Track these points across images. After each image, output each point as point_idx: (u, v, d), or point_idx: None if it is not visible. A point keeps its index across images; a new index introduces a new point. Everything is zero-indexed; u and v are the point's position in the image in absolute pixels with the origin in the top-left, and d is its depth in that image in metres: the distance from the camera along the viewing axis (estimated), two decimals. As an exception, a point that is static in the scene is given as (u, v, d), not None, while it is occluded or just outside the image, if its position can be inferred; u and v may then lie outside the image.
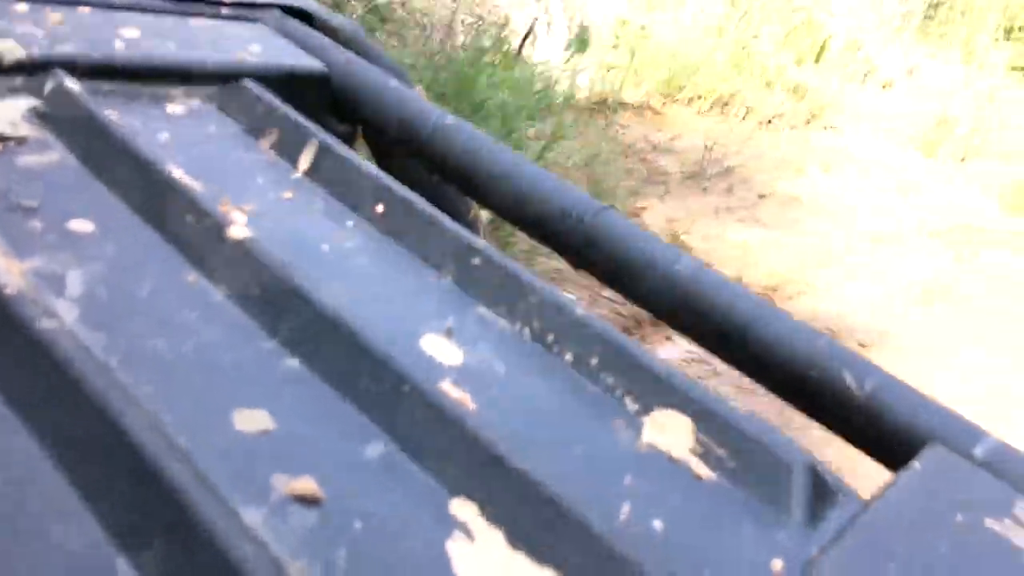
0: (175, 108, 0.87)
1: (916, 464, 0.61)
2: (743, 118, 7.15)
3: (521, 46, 6.31)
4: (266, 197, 0.79)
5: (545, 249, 0.88)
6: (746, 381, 0.76)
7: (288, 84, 0.94)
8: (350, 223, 0.79)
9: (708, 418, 0.64)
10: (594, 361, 0.68)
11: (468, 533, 0.53)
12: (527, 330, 0.71)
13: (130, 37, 0.90)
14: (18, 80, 0.78)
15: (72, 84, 0.78)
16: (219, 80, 0.91)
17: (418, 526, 0.52)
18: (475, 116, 4.67)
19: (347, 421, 0.58)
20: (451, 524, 0.53)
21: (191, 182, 0.72)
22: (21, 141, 0.73)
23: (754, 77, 7.47)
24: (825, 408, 0.71)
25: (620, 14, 6.99)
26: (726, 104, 7.23)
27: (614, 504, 0.57)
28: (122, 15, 0.94)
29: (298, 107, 0.89)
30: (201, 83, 0.90)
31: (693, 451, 0.63)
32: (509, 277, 0.73)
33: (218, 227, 0.68)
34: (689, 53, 7.15)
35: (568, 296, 0.73)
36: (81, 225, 0.67)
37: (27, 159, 0.71)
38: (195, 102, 0.89)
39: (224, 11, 1.04)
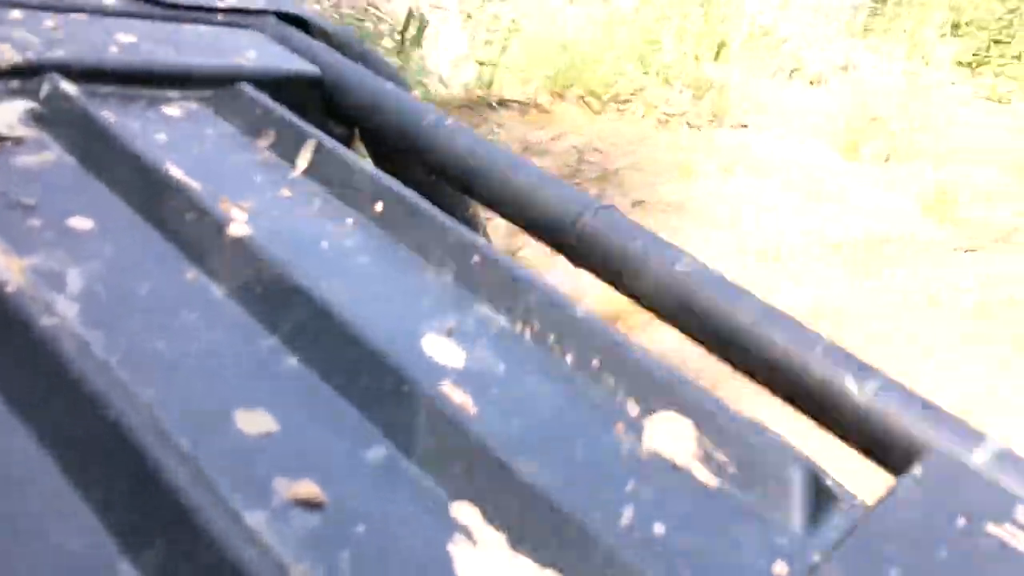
0: (172, 111, 0.87)
1: (917, 469, 0.60)
2: (642, 116, 6.44)
3: (402, 40, 5.66)
4: (265, 196, 0.79)
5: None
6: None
7: (284, 88, 0.94)
8: (349, 221, 0.79)
9: (710, 422, 0.63)
10: (596, 362, 0.67)
11: (469, 536, 0.52)
12: (528, 330, 0.70)
13: (125, 42, 0.90)
14: (13, 83, 0.79)
15: (68, 87, 0.78)
16: (215, 84, 0.91)
17: (419, 529, 0.52)
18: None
19: (348, 422, 0.58)
20: (452, 527, 0.52)
21: (190, 181, 0.72)
22: (18, 141, 0.73)
23: (657, 72, 6.77)
24: (825, 412, 0.69)
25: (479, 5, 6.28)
26: (626, 101, 6.53)
27: (616, 508, 0.56)
28: (117, 21, 0.94)
29: (294, 111, 0.89)
30: (197, 87, 0.90)
31: (695, 455, 0.62)
32: (509, 276, 0.72)
33: (217, 225, 0.68)
34: (583, 46, 6.44)
35: (569, 296, 0.72)
36: (80, 223, 0.67)
37: (25, 159, 0.72)
38: (192, 105, 0.89)
39: (219, 17, 1.03)
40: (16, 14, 0.87)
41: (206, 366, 0.58)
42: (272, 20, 1.06)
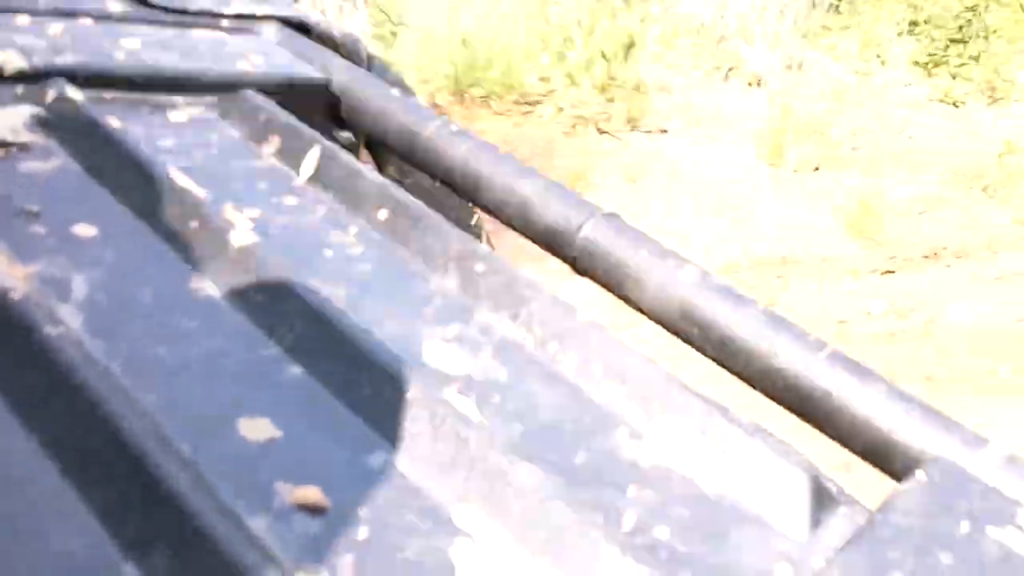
0: (177, 117, 0.87)
1: (920, 475, 0.60)
2: (551, 119, 5.98)
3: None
4: (269, 203, 0.79)
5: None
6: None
7: (289, 94, 0.94)
8: (353, 229, 0.79)
9: (712, 427, 0.63)
10: (597, 369, 0.68)
11: (472, 541, 0.52)
12: (531, 336, 0.71)
13: (131, 48, 0.90)
14: (20, 89, 0.79)
15: (74, 93, 0.79)
16: (220, 90, 0.91)
17: (422, 534, 0.52)
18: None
19: (350, 429, 0.58)
20: (454, 532, 0.53)
21: (194, 188, 0.72)
22: (23, 147, 0.73)
23: (568, 72, 6.30)
24: (828, 418, 0.69)
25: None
26: (534, 103, 6.07)
27: (618, 513, 0.56)
28: (122, 27, 0.95)
29: (299, 116, 0.89)
30: (202, 92, 0.91)
31: (696, 460, 0.63)
32: (512, 283, 0.73)
33: (221, 232, 0.68)
34: (485, 41, 5.98)
35: (572, 302, 0.72)
36: (84, 230, 0.67)
37: (30, 165, 0.72)
38: (197, 111, 0.89)
39: (224, 23, 1.03)
40: (22, 20, 0.88)
41: (209, 373, 0.58)
42: (277, 26, 1.05)
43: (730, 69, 7.39)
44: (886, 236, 5.49)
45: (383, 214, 0.80)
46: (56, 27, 0.88)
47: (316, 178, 0.84)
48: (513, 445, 0.58)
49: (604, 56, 6.26)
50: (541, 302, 0.71)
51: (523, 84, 6.01)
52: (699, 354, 0.76)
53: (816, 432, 0.70)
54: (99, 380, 0.52)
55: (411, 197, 0.81)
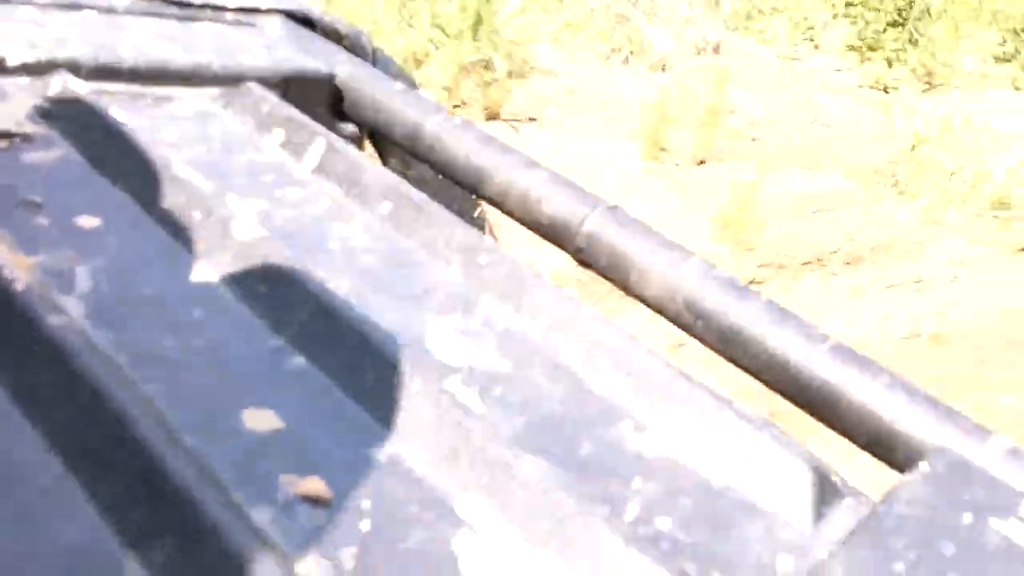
0: (180, 109, 0.87)
1: (923, 466, 0.60)
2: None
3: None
4: (273, 195, 0.79)
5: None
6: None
7: (292, 87, 0.94)
8: (357, 221, 0.79)
9: (716, 419, 0.63)
10: (602, 360, 0.68)
11: (475, 532, 0.53)
12: (534, 328, 0.71)
13: (135, 41, 0.90)
14: (23, 80, 0.79)
15: (77, 84, 0.79)
16: (224, 83, 0.91)
17: (425, 525, 0.52)
18: None
19: (355, 420, 0.58)
20: (458, 523, 0.53)
21: (198, 179, 0.72)
22: (27, 138, 0.73)
23: (414, 52, 5.62)
24: (831, 410, 0.69)
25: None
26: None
27: (622, 503, 0.56)
28: (126, 19, 0.95)
29: (303, 109, 0.89)
30: (206, 85, 0.90)
31: (700, 452, 0.63)
32: (515, 274, 0.73)
33: (225, 224, 0.68)
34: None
35: (575, 294, 0.72)
36: (88, 221, 0.67)
37: (33, 156, 0.72)
38: (200, 103, 0.89)
39: (228, 16, 1.04)
40: (26, 12, 0.88)
41: (213, 364, 0.58)
42: (281, 19, 1.05)
43: (631, 52, 6.72)
44: (766, 239, 4.82)
45: (386, 206, 0.80)
46: (60, 19, 0.89)
47: (320, 170, 0.83)
48: (516, 436, 0.59)
49: (445, 32, 5.54)
50: (544, 293, 0.71)
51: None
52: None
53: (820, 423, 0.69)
54: (102, 371, 0.52)
55: (414, 189, 0.81)
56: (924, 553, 0.53)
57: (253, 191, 0.78)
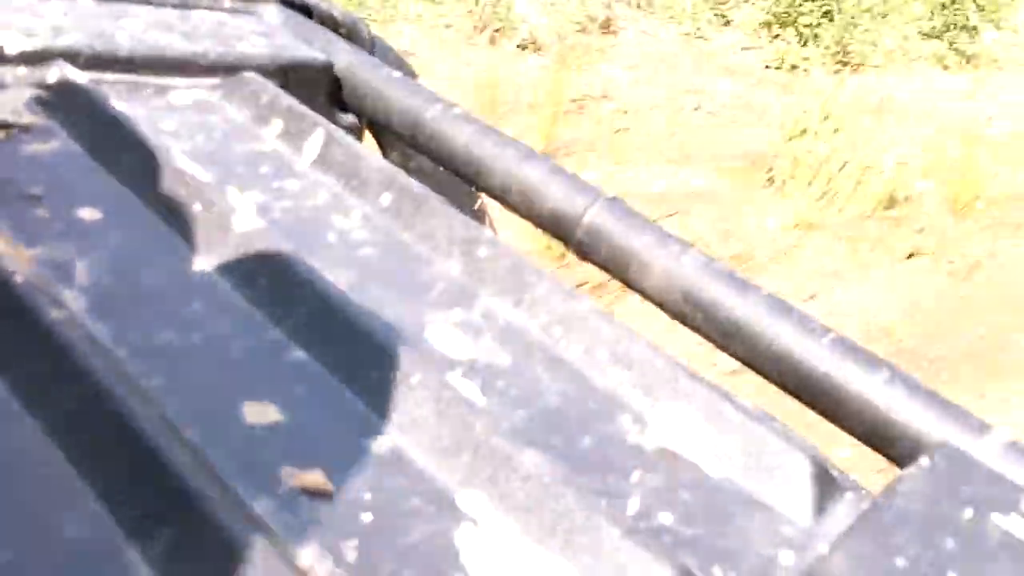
0: (179, 99, 0.87)
1: (924, 460, 0.60)
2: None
3: None
4: (272, 186, 0.79)
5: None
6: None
7: (291, 76, 0.93)
8: (356, 213, 0.79)
9: (716, 413, 0.63)
10: (602, 354, 0.68)
11: (476, 525, 0.53)
12: (534, 322, 0.71)
13: (133, 29, 0.89)
14: (21, 70, 0.78)
15: (75, 74, 0.78)
16: (222, 72, 0.90)
17: (426, 518, 0.52)
18: None
19: (355, 413, 0.58)
20: (459, 517, 0.53)
21: (197, 171, 0.71)
22: (25, 129, 0.73)
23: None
24: (832, 404, 0.69)
25: None
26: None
27: (622, 498, 0.57)
28: (124, 7, 0.94)
29: (301, 99, 0.89)
30: (204, 75, 0.90)
31: (701, 446, 0.63)
32: (516, 268, 0.73)
33: (224, 216, 0.68)
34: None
35: (576, 288, 0.72)
36: (88, 213, 0.66)
37: (32, 147, 0.71)
38: (199, 93, 0.88)
39: (226, 4, 1.02)
40: (24, 0, 0.87)
41: (213, 357, 0.58)
42: (278, 7, 1.04)
43: (495, 31, 6.06)
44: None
45: (386, 198, 0.80)
46: (58, 8, 0.88)
47: (319, 162, 0.83)
48: (517, 430, 0.59)
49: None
50: (545, 287, 0.71)
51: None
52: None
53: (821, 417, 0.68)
54: (103, 364, 0.52)
55: (414, 181, 0.81)
56: (925, 547, 0.53)
57: (252, 182, 0.78)
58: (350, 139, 0.84)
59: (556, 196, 0.83)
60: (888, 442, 0.66)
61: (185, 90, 0.87)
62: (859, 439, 0.68)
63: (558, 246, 0.77)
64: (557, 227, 0.83)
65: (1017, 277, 4.63)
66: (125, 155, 0.72)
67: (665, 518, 0.56)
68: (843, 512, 0.60)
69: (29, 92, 0.76)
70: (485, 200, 1.08)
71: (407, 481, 0.54)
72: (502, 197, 0.87)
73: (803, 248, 4.53)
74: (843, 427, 0.69)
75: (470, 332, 0.68)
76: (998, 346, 4.00)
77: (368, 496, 0.52)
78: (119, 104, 0.76)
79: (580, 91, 5.47)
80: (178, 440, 0.49)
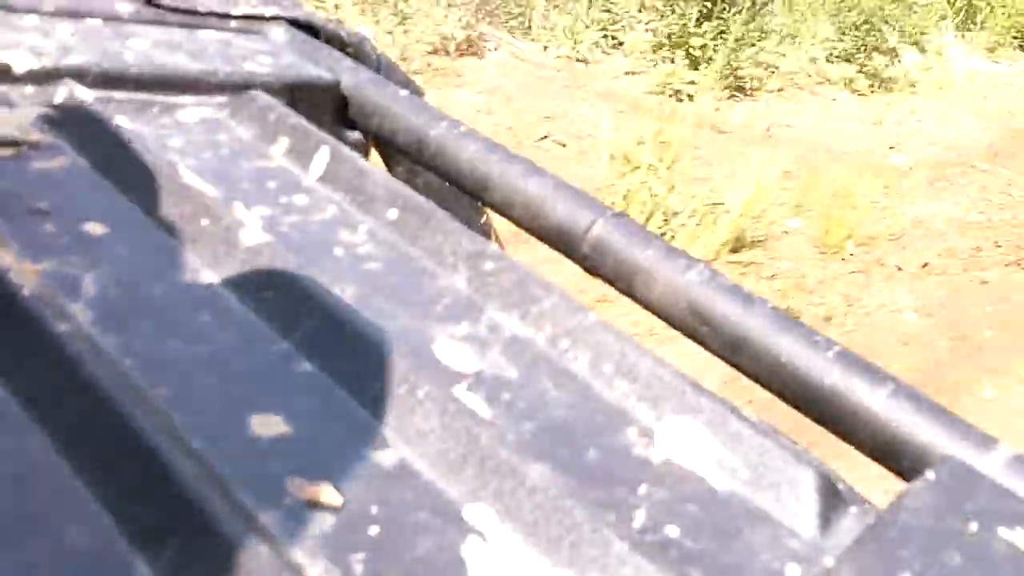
0: (186, 117, 0.87)
1: (929, 474, 0.60)
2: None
3: None
4: (279, 202, 0.79)
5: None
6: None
7: (297, 94, 0.94)
8: (363, 228, 0.79)
9: (722, 426, 0.63)
10: (608, 367, 0.68)
11: (483, 539, 0.52)
12: (541, 335, 0.71)
13: (140, 48, 0.90)
14: (29, 89, 0.79)
15: (83, 92, 0.79)
16: (229, 90, 0.91)
17: (433, 532, 0.52)
18: None
19: (362, 426, 0.58)
20: (466, 530, 0.53)
21: (204, 187, 0.72)
22: (33, 146, 0.73)
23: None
24: (837, 418, 0.69)
25: None
26: None
27: (629, 511, 0.56)
28: (131, 27, 0.94)
29: (308, 117, 0.89)
30: (211, 93, 0.90)
31: (707, 459, 0.62)
32: (522, 282, 0.73)
33: (231, 232, 0.68)
34: None
35: (581, 302, 0.72)
36: (95, 228, 0.67)
37: (39, 164, 0.71)
38: (206, 111, 0.89)
39: (233, 23, 1.03)
40: (32, 20, 0.87)
41: (220, 371, 0.58)
42: (285, 27, 1.05)
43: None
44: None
45: (393, 214, 0.80)
46: (65, 28, 0.88)
47: (325, 178, 0.83)
48: (524, 443, 0.59)
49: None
50: (551, 300, 0.71)
51: None
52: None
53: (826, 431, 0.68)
54: (110, 377, 0.52)
55: (420, 196, 0.81)
56: (930, 562, 0.52)
57: (259, 198, 0.78)
58: (356, 155, 0.84)
59: (562, 211, 0.83)
60: (893, 456, 0.65)
61: (192, 108, 0.88)
62: (865, 453, 0.68)
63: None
64: (562, 241, 0.83)
65: (877, 332, 4.05)
66: (132, 172, 0.72)
67: (672, 531, 0.55)
68: (849, 526, 0.59)
69: (37, 111, 0.76)
70: (491, 215, 1.08)
71: (414, 494, 0.54)
72: (507, 212, 0.87)
73: (620, 302, 3.96)
74: (849, 441, 0.68)
75: (476, 345, 0.68)
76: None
77: (375, 509, 0.52)
78: (127, 122, 0.78)
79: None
80: (185, 452, 0.49)
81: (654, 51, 6.56)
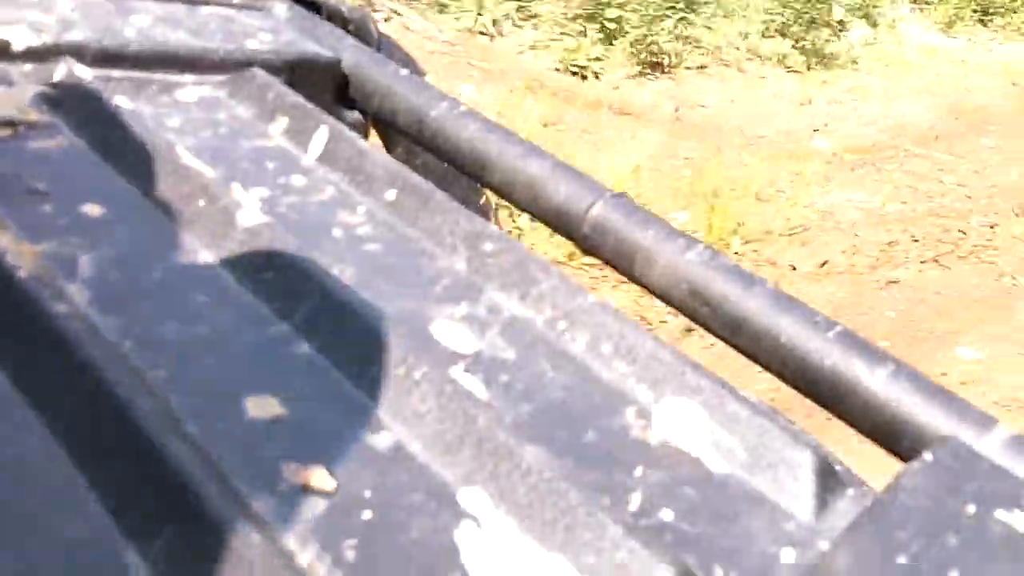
0: (185, 95, 0.87)
1: (927, 455, 0.59)
2: None
3: None
4: (277, 182, 0.79)
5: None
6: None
7: (298, 73, 0.93)
8: (362, 209, 0.79)
9: (720, 408, 0.63)
10: (607, 348, 0.68)
11: (478, 522, 0.52)
12: (539, 316, 0.70)
13: (140, 25, 0.89)
14: (27, 66, 0.78)
15: (82, 71, 0.78)
16: (229, 68, 0.90)
17: (428, 515, 0.52)
18: None
19: (358, 408, 0.58)
20: (461, 513, 0.52)
21: (202, 167, 0.72)
22: (31, 126, 0.72)
23: None
24: (836, 398, 0.69)
25: None
26: None
27: (624, 494, 0.56)
28: (132, 3, 0.93)
29: (308, 96, 0.89)
30: (211, 71, 0.90)
31: (704, 441, 0.62)
32: (521, 263, 0.73)
33: (229, 211, 0.68)
34: None
35: (581, 283, 0.71)
36: (92, 209, 0.66)
37: (37, 144, 0.71)
38: (205, 90, 0.88)
39: (234, 0, 1.02)
40: None
41: (217, 352, 0.58)
42: (287, 3, 1.04)
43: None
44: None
45: (391, 194, 0.80)
46: (65, 4, 0.87)
47: (324, 158, 0.83)
48: (521, 424, 0.59)
49: None
50: (550, 282, 0.71)
51: None
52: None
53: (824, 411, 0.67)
54: (106, 358, 0.52)
55: (419, 177, 0.81)
56: (928, 543, 0.52)
57: (258, 178, 0.77)
58: (355, 136, 0.84)
59: (561, 192, 0.82)
60: (892, 437, 0.65)
61: (191, 87, 0.87)
62: (863, 434, 0.67)
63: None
64: (562, 222, 0.82)
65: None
66: (130, 151, 0.72)
67: (666, 515, 0.55)
68: (846, 508, 0.59)
69: (35, 89, 0.75)
70: (490, 196, 1.06)
71: (408, 477, 0.53)
72: (507, 193, 0.86)
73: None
74: (847, 421, 0.67)
75: (475, 327, 0.67)
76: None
77: (369, 493, 0.51)
78: (125, 101, 0.78)
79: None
80: (180, 435, 0.49)
81: (567, 23, 6.01)
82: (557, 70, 5.65)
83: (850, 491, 0.60)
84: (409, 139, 0.94)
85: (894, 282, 4.19)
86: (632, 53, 5.78)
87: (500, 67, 5.52)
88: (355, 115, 0.97)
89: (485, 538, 0.51)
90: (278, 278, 0.63)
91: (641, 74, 5.76)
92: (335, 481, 0.51)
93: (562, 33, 5.92)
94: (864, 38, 6.86)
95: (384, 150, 1.02)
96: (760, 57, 6.31)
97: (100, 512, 0.45)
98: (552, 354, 0.66)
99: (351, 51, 0.97)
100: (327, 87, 0.95)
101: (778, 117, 5.58)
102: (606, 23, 5.92)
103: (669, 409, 0.63)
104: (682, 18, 5.94)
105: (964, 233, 4.51)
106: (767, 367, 0.71)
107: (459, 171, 0.90)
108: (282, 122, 0.85)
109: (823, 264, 4.12)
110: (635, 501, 0.55)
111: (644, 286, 0.78)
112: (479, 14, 5.89)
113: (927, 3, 7.40)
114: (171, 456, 0.47)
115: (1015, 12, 7.39)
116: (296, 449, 0.52)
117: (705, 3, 6.47)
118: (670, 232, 0.77)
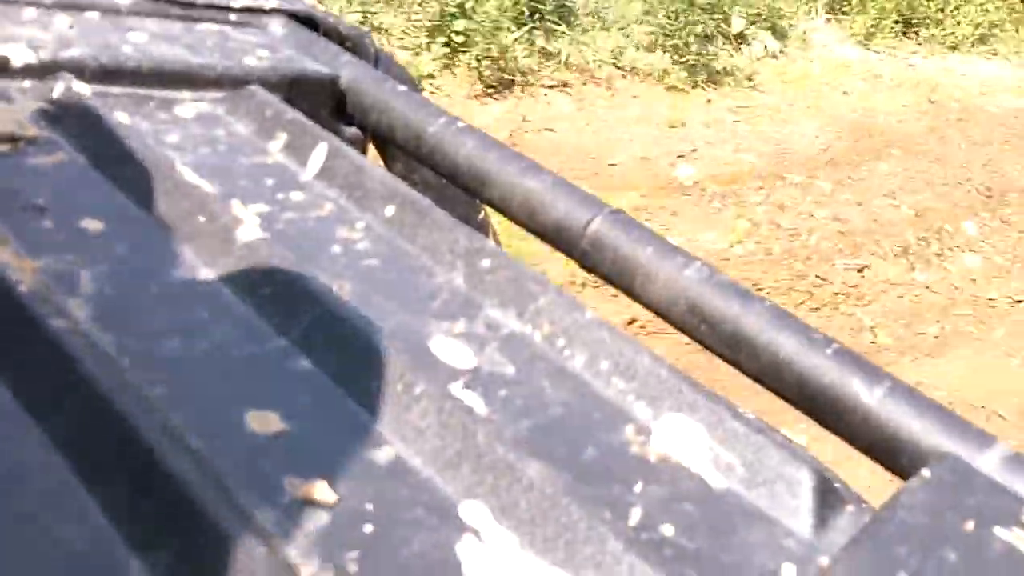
0: (183, 112, 0.87)
1: (926, 473, 0.60)
2: None
3: None
4: (276, 198, 0.79)
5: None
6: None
7: (296, 89, 0.94)
8: (360, 224, 0.79)
9: (719, 424, 0.63)
10: (605, 365, 0.68)
11: (478, 537, 0.52)
12: (537, 333, 0.70)
13: (138, 42, 0.90)
14: (26, 83, 0.78)
15: (80, 87, 0.79)
16: (227, 85, 0.91)
17: (428, 529, 0.52)
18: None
19: (358, 423, 0.58)
20: (461, 528, 0.53)
21: (201, 183, 0.72)
22: (30, 141, 0.72)
23: None
24: (834, 416, 0.69)
25: None
26: None
27: (624, 510, 0.56)
28: (130, 20, 0.94)
29: (306, 112, 0.89)
30: (209, 88, 0.90)
31: (703, 457, 0.62)
32: (519, 279, 0.73)
33: (228, 227, 0.68)
34: None
35: (579, 299, 0.71)
36: (92, 224, 0.66)
37: (37, 159, 0.71)
38: (203, 106, 0.89)
39: (232, 17, 1.03)
40: (30, 13, 0.87)
41: (217, 367, 0.58)
42: (284, 20, 1.04)
43: None
44: None
45: (390, 210, 0.79)
46: (63, 21, 0.88)
47: (323, 174, 0.83)
48: (520, 440, 0.59)
49: None
50: (548, 298, 0.71)
51: None
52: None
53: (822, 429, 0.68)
54: (106, 373, 0.52)
55: (417, 193, 0.81)
56: (926, 560, 0.52)
57: (256, 194, 0.77)
58: (353, 152, 0.84)
59: (560, 208, 0.82)
60: (891, 454, 0.65)
61: (190, 103, 0.87)
62: (862, 451, 0.67)
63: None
64: (561, 238, 0.82)
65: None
66: (129, 167, 0.72)
67: (667, 530, 0.55)
68: (845, 524, 0.59)
69: (34, 105, 0.76)
70: (488, 212, 1.05)
71: (409, 492, 0.54)
72: (505, 209, 0.85)
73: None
74: (846, 439, 0.67)
75: (473, 343, 0.67)
76: None
77: (370, 507, 0.52)
78: (124, 117, 0.78)
79: None
80: (181, 449, 0.49)
81: (409, 36, 5.30)
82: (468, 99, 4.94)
83: (849, 507, 0.60)
84: (407, 155, 0.94)
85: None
86: (477, 70, 5.07)
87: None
88: (353, 131, 0.97)
89: (486, 552, 0.51)
90: (277, 293, 0.63)
91: (485, 93, 5.05)
92: (336, 494, 0.51)
93: (401, 47, 5.22)
94: (767, 51, 6.13)
95: (383, 166, 1.01)
96: (641, 73, 5.59)
97: (103, 526, 0.45)
98: (551, 370, 0.67)
99: (349, 67, 0.97)
100: (325, 103, 0.95)
101: (639, 142, 4.87)
102: (453, 36, 5.21)
103: (668, 425, 0.63)
104: (532, 28, 5.23)
105: (823, 279, 3.77)
106: (766, 384, 0.71)
107: (457, 187, 0.89)
108: (281, 138, 0.85)
109: (630, 322, 3.38)
110: (635, 516, 0.55)
111: (643, 302, 0.78)
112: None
113: (844, 13, 6.67)
114: (173, 470, 0.47)
115: (939, 24, 6.67)
116: (297, 463, 0.52)
117: (583, 14, 5.75)
118: (669, 249, 0.77)
